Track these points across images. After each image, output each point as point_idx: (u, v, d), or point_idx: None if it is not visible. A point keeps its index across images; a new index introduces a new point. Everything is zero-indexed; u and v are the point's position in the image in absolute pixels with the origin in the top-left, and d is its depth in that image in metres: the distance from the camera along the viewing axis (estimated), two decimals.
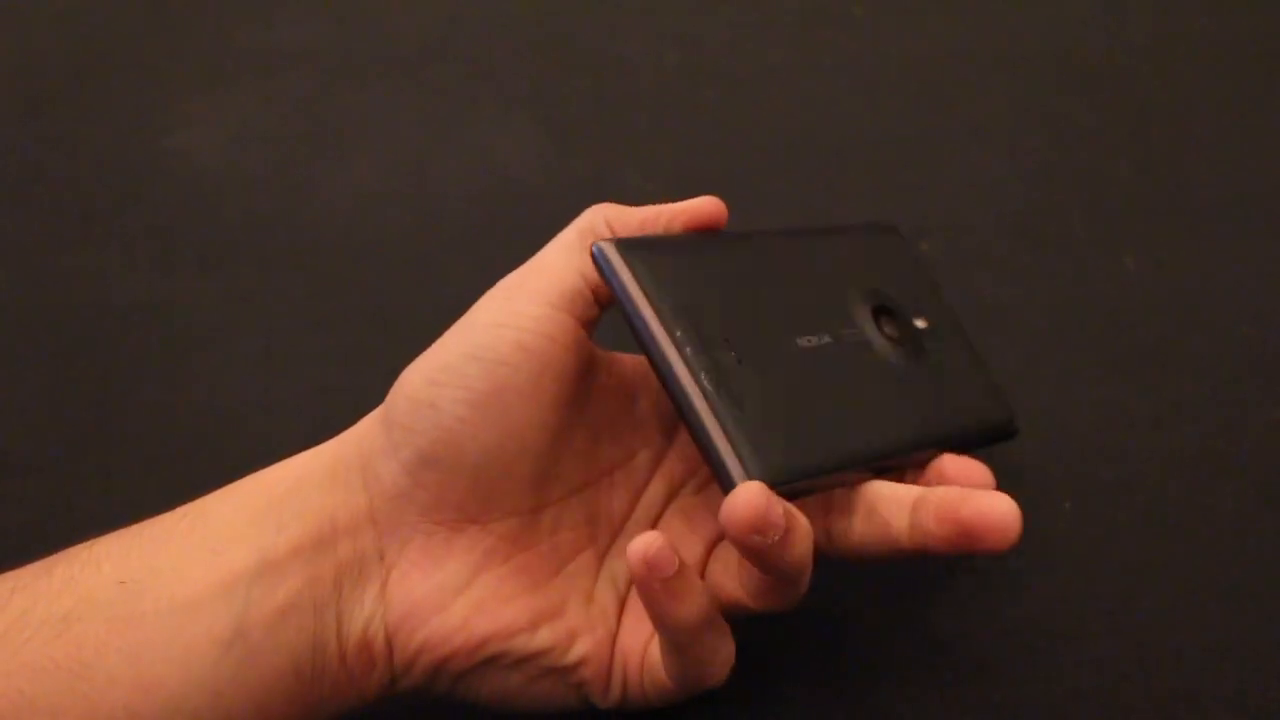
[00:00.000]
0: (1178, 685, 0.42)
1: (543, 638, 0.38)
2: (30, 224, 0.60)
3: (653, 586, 0.35)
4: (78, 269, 0.58)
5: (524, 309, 0.38)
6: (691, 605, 0.36)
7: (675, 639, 0.37)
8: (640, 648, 0.39)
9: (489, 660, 0.38)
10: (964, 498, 0.37)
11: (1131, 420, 0.49)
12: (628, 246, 0.38)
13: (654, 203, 0.46)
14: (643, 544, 0.35)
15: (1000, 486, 0.47)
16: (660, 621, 0.36)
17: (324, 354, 0.54)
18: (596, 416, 0.41)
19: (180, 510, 0.38)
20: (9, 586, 0.36)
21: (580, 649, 0.39)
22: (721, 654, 0.38)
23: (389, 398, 0.39)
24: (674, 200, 0.42)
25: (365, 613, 0.38)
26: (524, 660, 0.38)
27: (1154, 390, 0.50)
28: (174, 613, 0.35)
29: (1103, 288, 0.54)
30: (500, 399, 0.37)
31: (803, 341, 0.40)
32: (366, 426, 0.39)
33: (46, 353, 0.55)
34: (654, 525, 0.42)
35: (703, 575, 0.40)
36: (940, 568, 0.45)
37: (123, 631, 0.35)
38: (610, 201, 0.42)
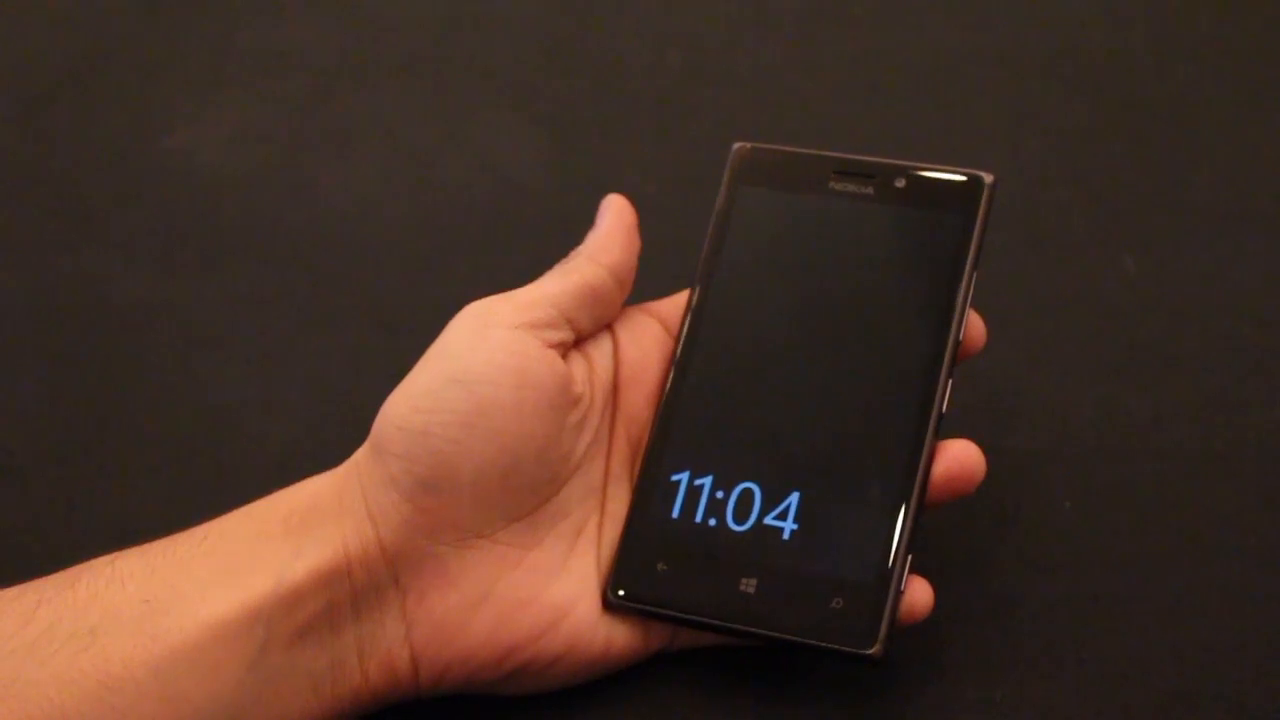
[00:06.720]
0: (1178, 685, 0.42)
1: (565, 634, 0.40)
2: (30, 224, 0.60)
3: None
4: (78, 269, 0.58)
5: (494, 332, 0.40)
6: None
7: None
8: None
9: (517, 669, 0.39)
10: None
11: (1131, 420, 0.49)
12: None
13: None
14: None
15: (1001, 487, 0.48)
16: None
17: (324, 354, 0.54)
18: (584, 402, 0.42)
19: (200, 531, 0.39)
20: (34, 599, 0.37)
21: (601, 634, 0.40)
22: None
23: (376, 429, 0.39)
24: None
25: (387, 634, 0.39)
26: (553, 661, 0.40)
27: (1154, 390, 0.50)
28: (199, 631, 0.36)
29: (1103, 288, 0.54)
30: (486, 418, 0.39)
31: None
32: (359, 458, 0.40)
33: (46, 353, 0.55)
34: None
35: None
36: (940, 567, 0.45)
37: (149, 647, 0.36)
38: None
